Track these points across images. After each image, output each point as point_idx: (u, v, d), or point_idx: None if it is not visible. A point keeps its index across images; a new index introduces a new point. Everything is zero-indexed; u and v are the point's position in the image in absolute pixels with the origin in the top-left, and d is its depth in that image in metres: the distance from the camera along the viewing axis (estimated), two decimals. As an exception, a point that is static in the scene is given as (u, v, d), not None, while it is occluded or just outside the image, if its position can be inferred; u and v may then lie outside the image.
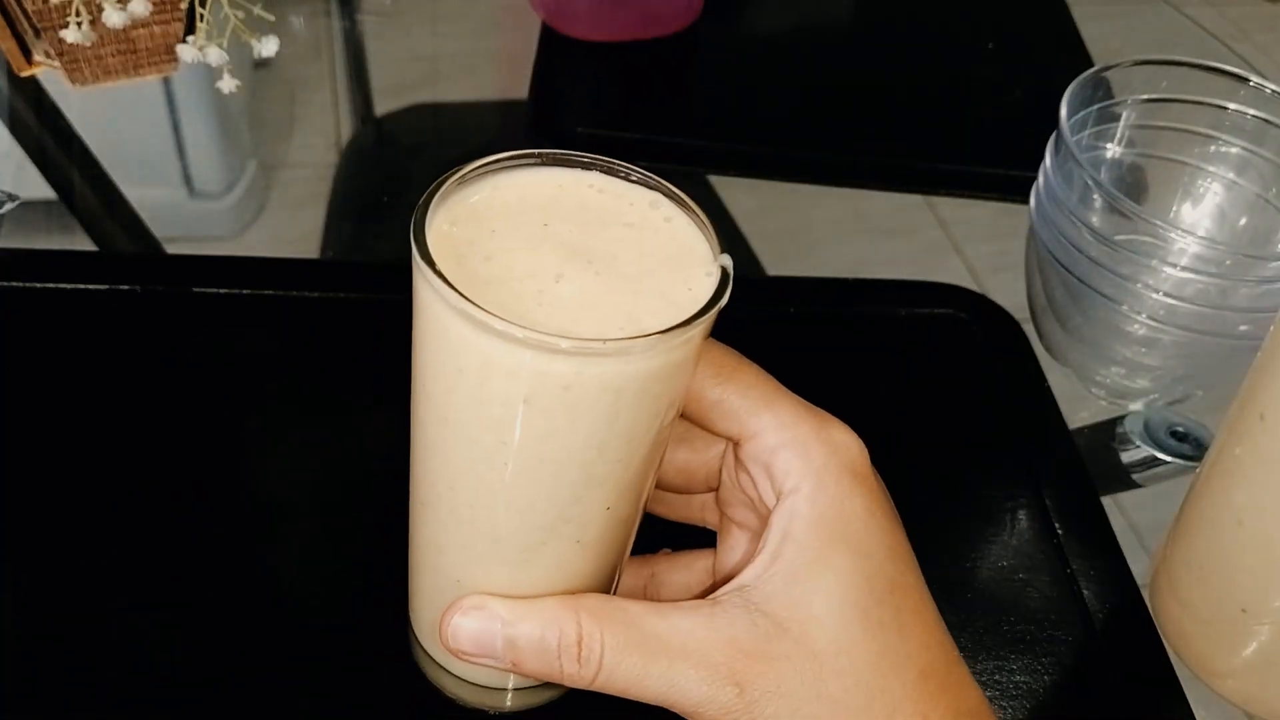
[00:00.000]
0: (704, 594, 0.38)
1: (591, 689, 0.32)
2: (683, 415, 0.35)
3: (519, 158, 0.33)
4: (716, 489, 0.37)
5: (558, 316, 0.30)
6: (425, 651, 0.38)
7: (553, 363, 0.29)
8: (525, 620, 0.33)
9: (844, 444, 0.34)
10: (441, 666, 0.38)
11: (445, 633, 0.34)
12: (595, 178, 0.34)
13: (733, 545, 0.37)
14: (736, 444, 0.35)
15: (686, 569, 0.39)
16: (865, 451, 0.34)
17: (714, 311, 0.30)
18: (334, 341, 0.51)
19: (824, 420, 0.34)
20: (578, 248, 0.32)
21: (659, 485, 0.38)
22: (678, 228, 0.33)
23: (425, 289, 0.30)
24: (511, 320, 0.28)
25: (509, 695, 0.38)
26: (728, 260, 0.32)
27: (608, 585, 0.36)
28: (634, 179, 0.34)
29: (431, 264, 0.29)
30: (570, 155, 0.34)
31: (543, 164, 0.34)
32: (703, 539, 0.39)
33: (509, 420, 0.30)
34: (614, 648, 0.32)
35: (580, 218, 0.33)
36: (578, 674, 0.32)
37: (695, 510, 0.39)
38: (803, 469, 0.33)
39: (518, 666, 0.33)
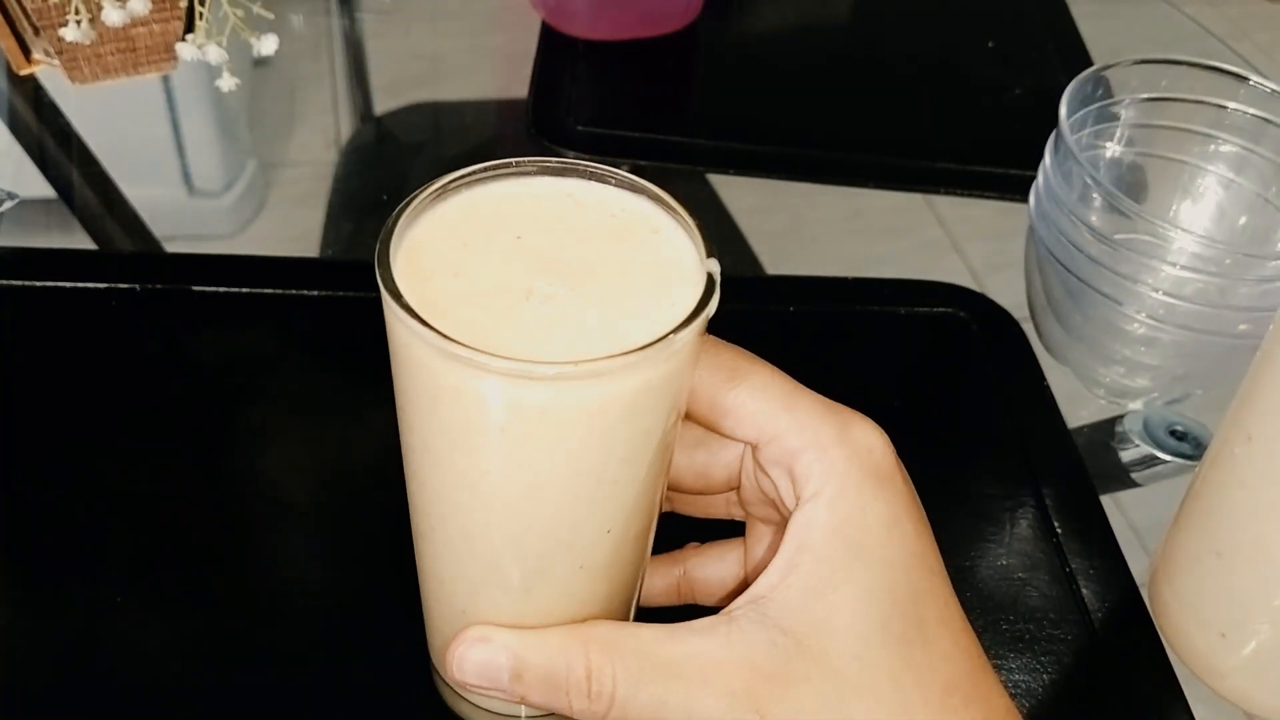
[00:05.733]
0: (738, 588, 0.37)
1: None
2: (696, 421, 0.34)
3: (497, 168, 0.32)
4: (738, 488, 0.36)
5: (530, 335, 0.28)
6: (442, 679, 0.37)
7: (525, 388, 0.27)
8: (532, 653, 0.32)
9: (867, 446, 0.32)
10: (457, 693, 0.37)
11: (450, 665, 0.33)
12: (577, 185, 0.32)
13: (761, 537, 0.36)
14: (755, 447, 0.34)
15: (719, 561, 0.38)
16: (890, 450, 0.33)
17: (697, 322, 0.28)
18: (334, 340, 0.51)
19: (846, 420, 0.33)
20: (552, 261, 0.30)
21: (678, 488, 0.37)
22: (665, 238, 0.31)
23: (390, 314, 0.28)
24: (475, 346, 0.26)
25: None
26: (714, 266, 0.30)
27: (624, 605, 0.35)
28: (621, 185, 0.32)
29: (391, 287, 0.28)
30: (553, 163, 0.32)
31: (523, 174, 0.32)
32: (731, 529, 0.38)
33: (488, 448, 0.29)
34: (627, 680, 0.30)
35: (556, 229, 0.31)
36: (588, 709, 0.31)
37: (720, 506, 0.38)
38: (823, 474, 0.32)
39: (525, 700, 0.32)
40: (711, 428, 0.34)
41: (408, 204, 0.30)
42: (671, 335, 0.28)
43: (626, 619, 0.36)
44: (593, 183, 0.32)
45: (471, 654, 0.32)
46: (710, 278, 0.30)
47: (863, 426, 0.33)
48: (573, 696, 0.31)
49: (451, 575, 0.33)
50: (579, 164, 0.32)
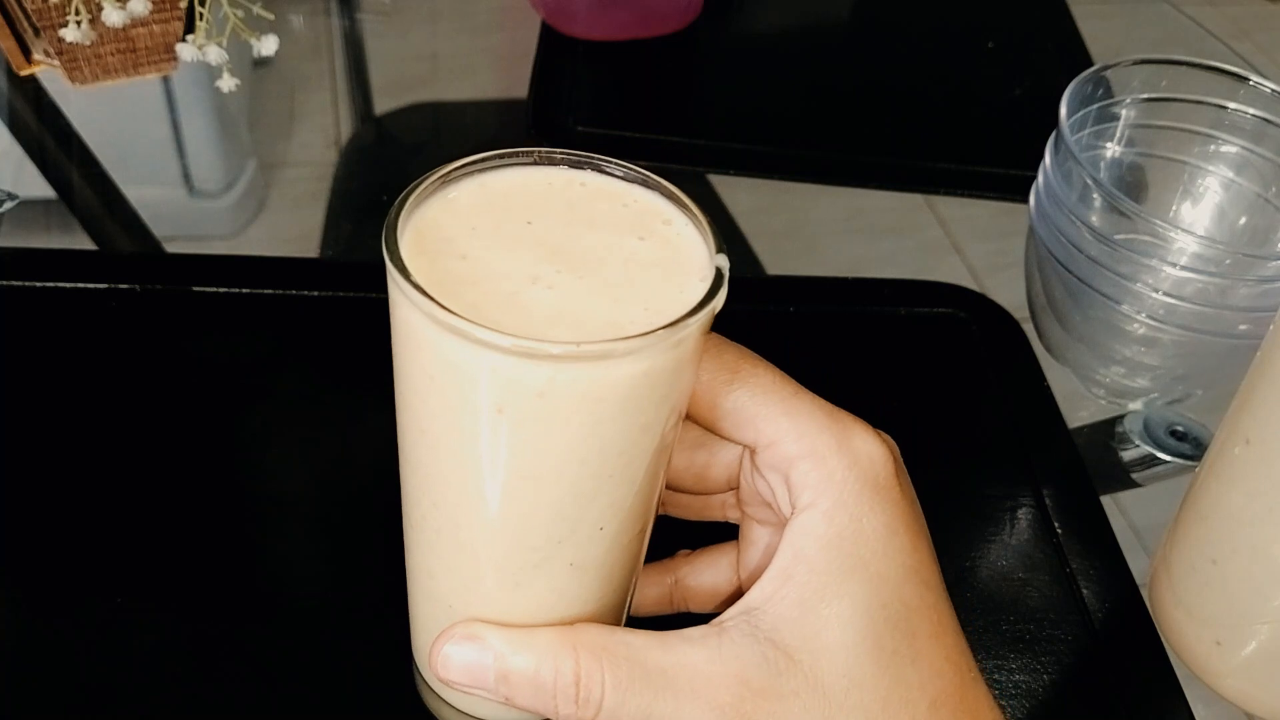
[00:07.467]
0: (731, 594, 0.37)
1: None
2: (696, 421, 0.33)
3: (512, 155, 0.32)
4: (736, 489, 0.36)
5: (533, 320, 0.28)
6: (425, 681, 0.37)
7: (524, 367, 0.27)
8: (520, 655, 0.31)
9: (867, 455, 0.32)
10: (441, 698, 0.36)
11: (435, 661, 0.32)
12: (591, 177, 0.32)
13: (755, 541, 0.36)
14: (752, 451, 0.33)
15: (712, 568, 0.38)
16: (891, 459, 0.32)
17: (702, 315, 0.28)
18: (334, 341, 0.51)
19: (846, 428, 0.32)
20: (560, 249, 0.30)
21: (677, 488, 0.36)
22: (676, 231, 0.31)
23: (393, 287, 0.28)
24: (474, 320, 0.26)
25: None
26: (724, 261, 0.29)
27: (615, 609, 0.35)
28: (634, 180, 0.32)
29: (397, 259, 0.27)
30: (570, 154, 0.32)
31: (538, 163, 0.32)
32: (722, 534, 0.38)
33: (483, 431, 0.28)
34: (615, 687, 0.30)
35: (568, 218, 0.31)
36: (575, 715, 0.31)
37: (716, 508, 0.38)
38: (820, 483, 0.31)
39: (511, 701, 0.32)
40: (710, 428, 0.33)
41: (417, 185, 0.30)
42: (675, 324, 0.27)
43: (618, 623, 0.36)
44: (606, 175, 0.32)
45: (457, 651, 0.32)
46: (719, 272, 0.29)
47: (863, 435, 0.32)
48: (560, 701, 0.31)
49: (441, 568, 0.33)
50: (593, 157, 0.32)
